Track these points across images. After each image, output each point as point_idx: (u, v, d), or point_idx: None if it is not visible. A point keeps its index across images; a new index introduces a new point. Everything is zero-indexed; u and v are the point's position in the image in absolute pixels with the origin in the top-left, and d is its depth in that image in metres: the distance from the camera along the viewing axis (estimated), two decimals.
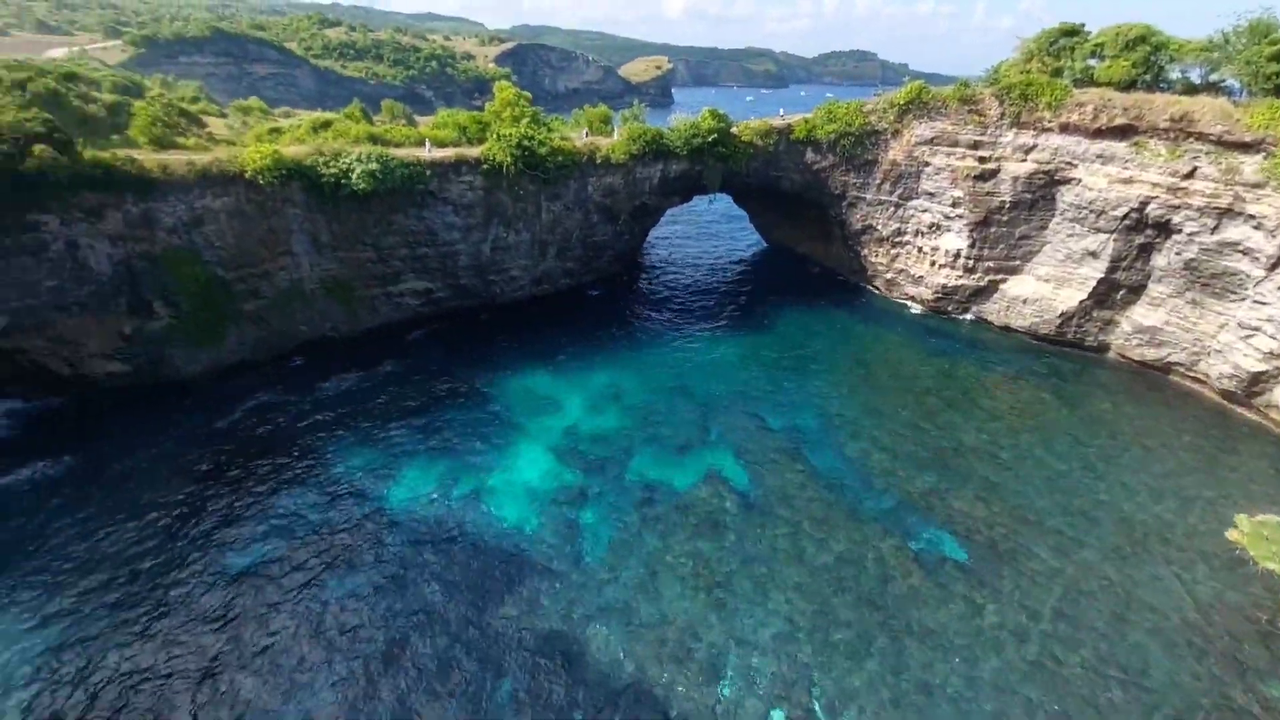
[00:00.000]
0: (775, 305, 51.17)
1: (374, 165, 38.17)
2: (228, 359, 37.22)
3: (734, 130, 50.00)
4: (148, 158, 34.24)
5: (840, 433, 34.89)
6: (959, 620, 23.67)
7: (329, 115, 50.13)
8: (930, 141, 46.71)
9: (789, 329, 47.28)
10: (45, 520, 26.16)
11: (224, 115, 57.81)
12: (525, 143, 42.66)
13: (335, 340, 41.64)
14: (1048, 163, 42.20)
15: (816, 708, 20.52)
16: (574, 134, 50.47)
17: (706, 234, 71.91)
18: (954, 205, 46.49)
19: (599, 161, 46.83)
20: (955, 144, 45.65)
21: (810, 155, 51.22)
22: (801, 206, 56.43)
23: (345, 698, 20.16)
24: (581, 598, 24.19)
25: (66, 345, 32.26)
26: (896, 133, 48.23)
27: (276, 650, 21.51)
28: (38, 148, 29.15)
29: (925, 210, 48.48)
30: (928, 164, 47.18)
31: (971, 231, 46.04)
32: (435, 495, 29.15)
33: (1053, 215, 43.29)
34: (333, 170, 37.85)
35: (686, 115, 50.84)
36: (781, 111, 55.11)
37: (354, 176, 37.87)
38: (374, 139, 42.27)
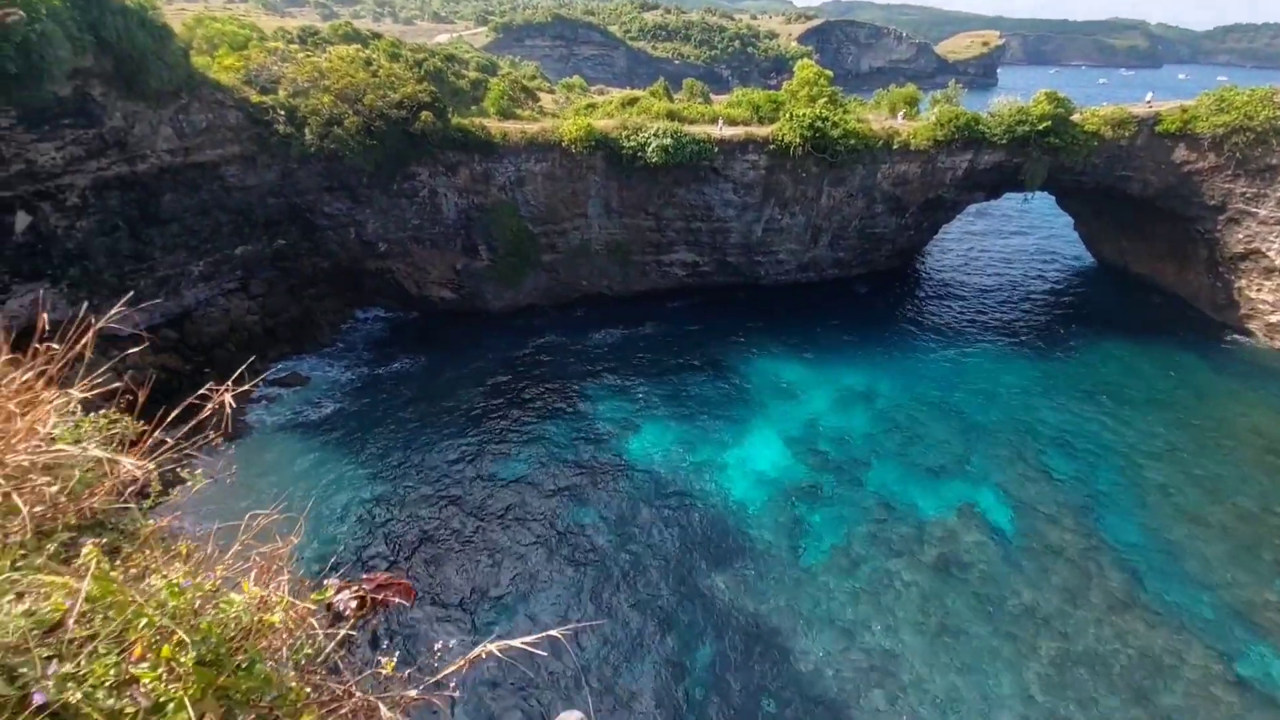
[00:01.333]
0: (1089, 332, 42.43)
1: (668, 140, 40.34)
2: (522, 300, 43.45)
3: (1074, 117, 41.87)
4: (494, 126, 40.95)
5: (1153, 502, 27.93)
6: None
7: (636, 93, 54.15)
8: None
9: (1102, 364, 38.91)
10: (397, 402, 33.69)
11: (552, 91, 66.38)
12: (818, 124, 41.11)
13: (608, 297, 45.75)
14: None
15: None
16: (871, 116, 47.18)
17: (1012, 235, 62.09)
18: None
19: (895, 147, 43.13)
20: None
21: (1181, 153, 40.69)
22: (1151, 217, 45.47)
23: (559, 609, 22.51)
24: (794, 594, 23.43)
25: (418, 271, 40.77)
26: None
27: (514, 550, 24.82)
28: (424, 114, 36.70)
29: None
30: None
31: None
32: (669, 455, 30.58)
33: None
34: (632, 143, 40.96)
35: (1012, 98, 44.00)
36: (1149, 97, 44.55)
37: (649, 150, 40.50)
38: (672, 115, 44.58)
